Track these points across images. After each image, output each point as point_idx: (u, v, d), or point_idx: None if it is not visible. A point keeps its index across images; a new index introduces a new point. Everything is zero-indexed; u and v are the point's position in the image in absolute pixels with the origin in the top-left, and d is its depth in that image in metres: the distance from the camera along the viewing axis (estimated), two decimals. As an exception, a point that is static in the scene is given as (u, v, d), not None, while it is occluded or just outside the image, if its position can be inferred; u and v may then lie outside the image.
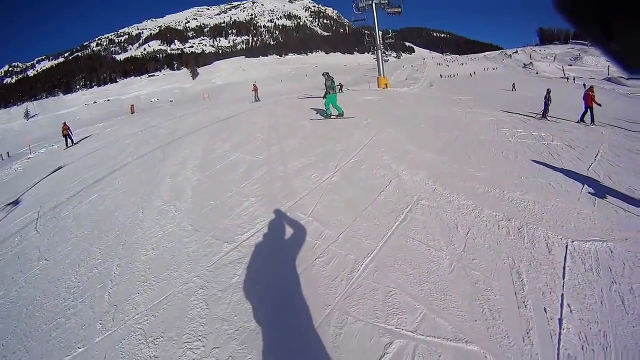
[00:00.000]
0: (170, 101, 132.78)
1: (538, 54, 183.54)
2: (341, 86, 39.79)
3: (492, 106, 23.65)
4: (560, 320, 4.22)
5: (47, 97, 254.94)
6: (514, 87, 47.65)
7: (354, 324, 4.21)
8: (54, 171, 17.40)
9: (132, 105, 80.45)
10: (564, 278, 4.92)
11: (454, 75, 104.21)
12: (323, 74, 18.27)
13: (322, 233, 6.36)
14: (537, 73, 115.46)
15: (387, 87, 44.63)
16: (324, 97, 17.91)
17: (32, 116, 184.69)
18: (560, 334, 4.03)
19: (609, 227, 6.24)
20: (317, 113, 19.03)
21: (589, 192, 7.87)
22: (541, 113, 21.08)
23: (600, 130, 15.80)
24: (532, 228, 6.23)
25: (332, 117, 17.47)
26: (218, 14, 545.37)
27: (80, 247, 7.68)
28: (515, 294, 4.65)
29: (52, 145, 30.06)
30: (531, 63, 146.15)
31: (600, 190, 7.97)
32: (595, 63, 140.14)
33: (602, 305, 4.39)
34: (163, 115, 32.49)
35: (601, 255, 5.38)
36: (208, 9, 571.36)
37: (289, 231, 6.66)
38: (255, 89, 35.82)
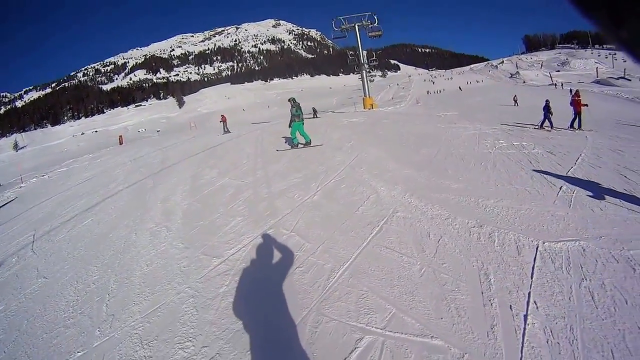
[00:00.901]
0: (158, 131, 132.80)
1: (524, 62, 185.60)
2: (315, 112, 39.10)
3: (476, 120, 23.83)
4: (525, 316, 4.44)
5: (35, 129, 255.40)
6: (515, 101, 42.89)
7: (328, 323, 4.63)
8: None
9: (121, 136, 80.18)
10: (532, 277, 5.16)
11: (440, 91, 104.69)
12: (289, 100, 17.76)
13: (302, 246, 6.81)
14: (524, 82, 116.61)
15: (373, 108, 45.21)
16: (290, 125, 17.29)
17: (21, 148, 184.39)
18: (525, 329, 4.25)
19: (582, 227, 6.47)
20: (285, 142, 18.92)
21: (565, 195, 8.09)
22: (539, 124, 20.81)
23: (585, 135, 16.06)
24: (502, 232, 6.50)
25: (300, 146, 16.99)
26: (202, 41, 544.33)
27: (78, 266, 8.06)
28: (482, 293, 4.92)
29: (43, 176, 30.29)
30: (517, 72, 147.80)
31: (577, 192, 8.20)
32: (583, 66, 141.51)
33: (570, 301, 4.60)
34: (151, 145, 32.90)
35: (572, 254, 5.61)
36: (192, 36, 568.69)
37: (272, 245, 7.09)
38: (224, 120, 34.57)
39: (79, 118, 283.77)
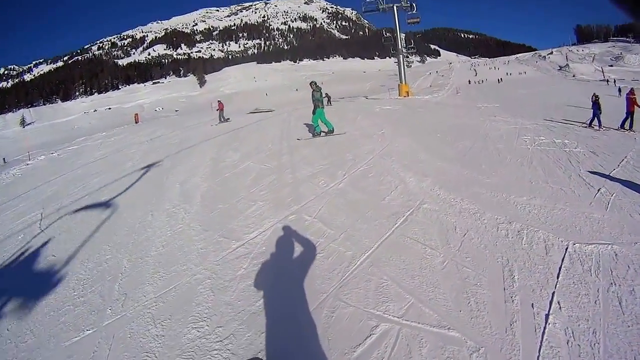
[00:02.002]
0: (176, 111, 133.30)
1: (575, 54, 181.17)
2: (329, 98, 38.44)
3: (518, 114, 23.54)
4: (547, 315, 4.54)
5: (44, 104, 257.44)
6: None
7: (345, 309, 4.93)
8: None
9: (136, 114, 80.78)
10: (557, 277, 5.23)
11: (482, 82, 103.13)
12: (310, 84, 17.24)
13: (324, 232, 7.14)
14: (574, 76, 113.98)
15: (408, 96, 44.98)
16: (313, 112, 16.85)
17: (29, 124, 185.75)
18: (545, 328, 4.34)
19: (618, 231, 6.42)
20: (306, 130, 18.70)
21: (603, 197, 8.03)
22: (588, 122, 20.47)
23: (635, 137, 15.85)
24: (532, 230, 6.59)
25: (322, 134, 16.75)
26: (228, 16, 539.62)
27: (89, 244, 8.43)
28: (504, 289, 5.07)
29: (52, 153, 30.65)
30: (567, 65, 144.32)
31: (616, 195, 8.10)
32: (639, 62, 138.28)
33: (596, 305, 4.64)
34: (169, 126, 33.61)
35: (603, 258, 5.61)
36: (217, 10, 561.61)
37: (293, 231, 7.40)
38: (220, 108, 32.13)
39: (92, 94, 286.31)
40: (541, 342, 4.16)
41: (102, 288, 6.46)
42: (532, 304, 4.78)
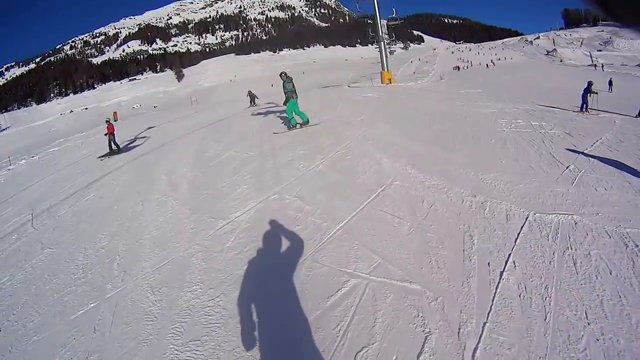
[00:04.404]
0: (155, 107, 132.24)
1: (563, 39, 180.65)
2: (253, 98, 36.81)
3: (500, 99, 23.68)
4: (501, 272, 5.18)
5: (19, 108, 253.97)
6: (611, 86, 36.13)
7: (320, 269, 5.81)
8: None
9: (115, 112, 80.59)
10: (515, 242, 5.85)
11: (467, 67, 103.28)
12: (281, 75, 16.94)
13: (303, 208, 8.01)
14: (561, 61, 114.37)
15: (391, 83, 45.10)
16: (284, 103, 16.60)
17: (4, 129, 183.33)
18: (499, 283, 4.98)
19: (581, 204, 6.94)
20: (282, 122, 18.50)
21: (571, 174, 8.49)
22: (580, 107, 20.58)
23: (615, 120, 15.89)
24: (495, 202, 7.22)
25: (298, 126, 16.45)
26: (203, 8, 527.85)
27: (84, 236, 9.12)
28: (463, 251, 5.78)
29: (33, 157, 30.73)
30: (555, 50, 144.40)
31: (584, 172, 8.54)
32: (628, 47, 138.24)
33: (551, 265, 5.21)
34: (150, 122, 34.10)
35: (563, 226, 6.14)
36: (192, 2, 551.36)
37: (274, 208, 8.29)
38: (110, 131, 21.66)
39: (67, 95, 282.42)
40: (495, 294, 4.81)
41: (101, 269, 7.20)
42: (489, 262, 5.45)
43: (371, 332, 4.45)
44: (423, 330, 4.40)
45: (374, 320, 4.64)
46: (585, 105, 20.61)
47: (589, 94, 20.87)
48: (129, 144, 23.12)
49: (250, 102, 35.58)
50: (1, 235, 10.81)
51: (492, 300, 4.73)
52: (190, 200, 9.85)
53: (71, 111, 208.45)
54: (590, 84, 21.47)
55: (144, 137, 24.47)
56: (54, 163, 22.96)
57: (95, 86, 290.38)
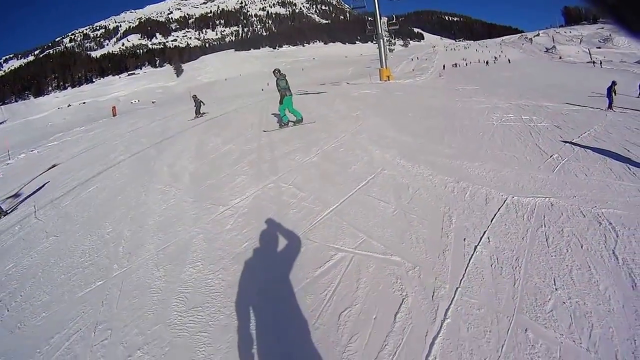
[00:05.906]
0: (153, 102, 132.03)
1: (563, 36, 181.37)
2: (199, 104, 33.97)
3: (495, 95, 24.04)
4: (476, 246, 5.70)
5: (16, 101, 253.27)
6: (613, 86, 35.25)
7: (311, 245, 6.43)
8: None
9: (114, 107, 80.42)
10: (491, 221, 6.37)
11: (467, 65, 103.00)
12: (274, 72, 16.57)
13: (297, 195, 8.60)
14: (560, 58, 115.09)
15: (389, 80, 45.66)
16: (280, 102, 16.16)
17: (1, 122, 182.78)
18: (473, 255, 5.51)
19: (559, 188, 7.40)
20: (275, 120, 18.05)
21: (554, 162, 8.96)
22: (608, 105, 20.92)
23: (606, 113, 16.65)
24: (476, 187, 7.75)
25: (290, 124, 16.23)
26: (204, 3, 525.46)
27: (89, 224, 9.52)
28: (442, 229, 6.35)
29: (32, 151, 31.20)
30: (554, 47, 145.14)
31: (567, 161, 8.97)
32: (628, 44, 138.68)
33: (523, 240, 5.69)
34: (148, 117, 34.51)
35: (539, 208, 6.63)
36: None
37: (271, 195, 8.90)
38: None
39: (65, 88, 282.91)
40: (468, 264, 5.34)
41: (107, 252, 7.65)
42: (464, 238, 6.00)
43: (354, 296, 5.01)
44: (401, 294, 4.93)
45: (357, 286, 5.20)
46: (610, 103, 21.16)
47: (613, 93, 21.73)
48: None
49: (196, 112, 28.17)
50: (4, 228, 11.06)
51: (465, 269, 5.25)
52: (192, 190, 10.34)
53: (69, 105, 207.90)
54: (614, 83, 22.41)
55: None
56: (55, 157, 23.43)
57: (94, 80, 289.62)
